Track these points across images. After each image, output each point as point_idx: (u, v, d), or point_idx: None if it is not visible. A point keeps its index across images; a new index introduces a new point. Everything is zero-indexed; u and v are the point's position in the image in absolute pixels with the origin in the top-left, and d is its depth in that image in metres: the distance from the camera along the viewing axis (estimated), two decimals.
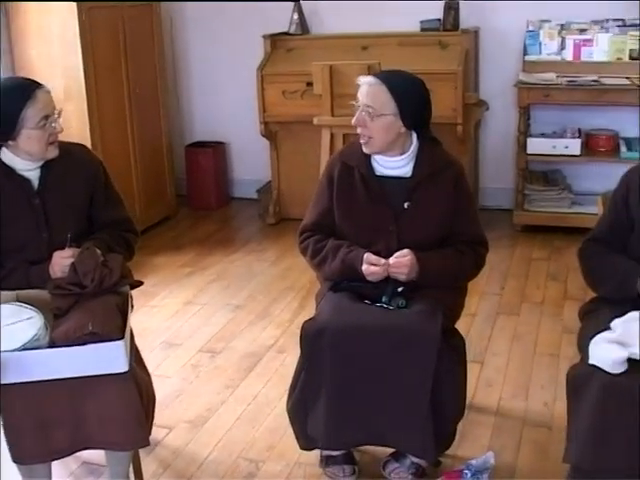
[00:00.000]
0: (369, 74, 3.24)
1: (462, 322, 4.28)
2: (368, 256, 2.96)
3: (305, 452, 3.14)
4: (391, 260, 2.95)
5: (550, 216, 5.69)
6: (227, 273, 5.29)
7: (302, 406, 2.98)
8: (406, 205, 3.04)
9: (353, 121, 3.03)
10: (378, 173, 3.09)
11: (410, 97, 2.98)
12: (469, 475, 2.97)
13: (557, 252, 5.35)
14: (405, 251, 2.95)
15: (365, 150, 3.05)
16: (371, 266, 2.95)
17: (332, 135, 5.40)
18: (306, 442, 3.05)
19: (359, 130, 3.03)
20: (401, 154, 3.06)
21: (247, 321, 4.55)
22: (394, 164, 3.07)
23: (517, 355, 4.04)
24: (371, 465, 3.16)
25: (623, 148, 5.57)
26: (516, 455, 3.24)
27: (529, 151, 5.64)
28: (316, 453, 3.16)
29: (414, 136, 3.08)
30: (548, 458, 3.17)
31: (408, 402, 2.82)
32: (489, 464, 3.03)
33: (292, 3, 6.11)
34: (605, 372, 2.50)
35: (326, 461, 3.12)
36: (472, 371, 3.82)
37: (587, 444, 2.52)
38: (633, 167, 2.96)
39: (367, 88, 2.99)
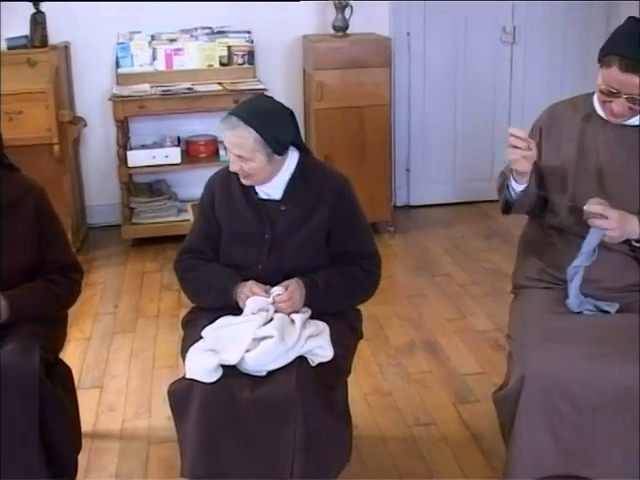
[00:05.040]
0: None
1: (77, 347, 4.21)
2: None
3: None
4: None
5: (159, 227, 5.70)
6: None
7: None
8: None
9: None
10: None
11: None
12: None
13: (169, 262, 5.28)
14: None
15: None
16: None
17: None
18: None
19: None
20: None
21: None
22: None
23: (136, 373, 3.99)
24: None
25: (222, 152, 5.72)
26: (145, 475, 3.21)
27: (130, 164, 5.59)
28: None
29: None
30: (177, 474, 3.13)
31: (15, 443, 2.64)
32: None
33: None
34: (203, 382, 2.54)
35: None
36: (92, 397, 3.75)
37: (196, 455, 2.58)
38: (214, 175, 3.02)
39: None
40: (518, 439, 2.65)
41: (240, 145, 2.72)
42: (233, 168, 2.78)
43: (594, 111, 2.88)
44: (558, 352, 2.60)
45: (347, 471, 2.82)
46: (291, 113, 2.84)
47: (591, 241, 2.72)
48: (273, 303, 2.74)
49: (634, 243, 2.76)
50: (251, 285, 2.79)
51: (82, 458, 3.09)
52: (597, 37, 6.07)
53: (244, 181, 2.83)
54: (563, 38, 6.38)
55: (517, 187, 2.83)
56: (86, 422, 3.37)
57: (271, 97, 3.03)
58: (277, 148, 2.76)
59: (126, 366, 4.06)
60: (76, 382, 3.21)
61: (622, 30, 2.74)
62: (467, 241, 5.74)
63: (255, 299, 2.75)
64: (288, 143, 2.82)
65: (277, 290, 2.77)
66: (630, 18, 2.76)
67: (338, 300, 2.87)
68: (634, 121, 2.80)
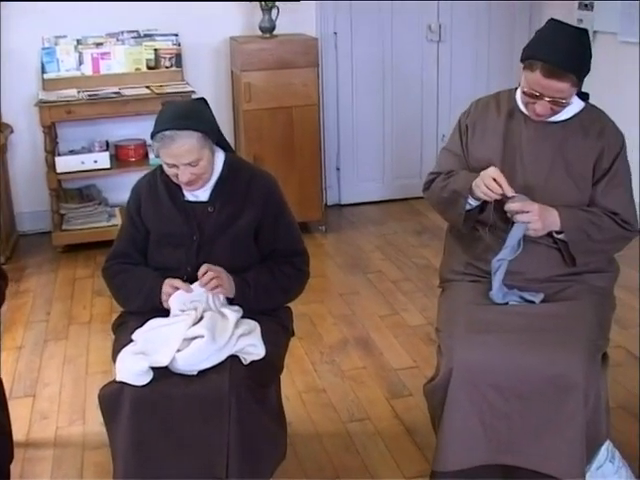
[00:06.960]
0: None
1: (9, 356, 4.17)
2: None
3: None
4: None
5: (90, 232, 5.65)
6: None
7: None
8: None
9: None
10: None
11: None
12: None
13: (100, 268, 5.30)
14: None
15: None
16: None
17: None
18: None
19: None
20: None
21: None
22: None
23: (69, 380, 3.95)
24: None
25: (151, 155, 5.71)
26: None
27: (59, 170, 5.52)
28: None
29: None
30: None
31: None
32: None
33: None
34: (133, 386, 2.53)
35: None
36: (25, 406, 3.71)
37: (128, 456, 2.57)
38: (141, 178, 3.02)
39: None
40: (448, 428, 2.69)
41: (187, 152, 2.69)
42: (184, 179, 2.74)
43: (517, 107, 2.93)
44: (484, 342, 2.65)
45: (282, 468, 2.84)
46: (204, 100, 2.89)
47: (515, 234, 2.78)
48: (204, 285, 2.73)
49: (555, 235, 2.83)
50: (170, 281, 2.79)
51: (15, 467, 3.07)
52: (520, 35, 6.24)
53: (189, 188, 2.82)
54: (487, 36, 6.49)
55: (474, 202, 2.87)
56: (19, 431, 3.36)
57: (174, 100, 3.02)
58: (214, 136, 2.79)
59: (59, 373, 4.02)
60: (8, 391, 3.18)
61: (544, 33, 2.77)
62: (398, 238, 5.80)
63: (178, 295, 2.75)
64: (218, 127, 2.85)
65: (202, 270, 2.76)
66: (551, 20, 2.80)
67: (269, 298, 2.88)
68: (557, 117, 2.87)
